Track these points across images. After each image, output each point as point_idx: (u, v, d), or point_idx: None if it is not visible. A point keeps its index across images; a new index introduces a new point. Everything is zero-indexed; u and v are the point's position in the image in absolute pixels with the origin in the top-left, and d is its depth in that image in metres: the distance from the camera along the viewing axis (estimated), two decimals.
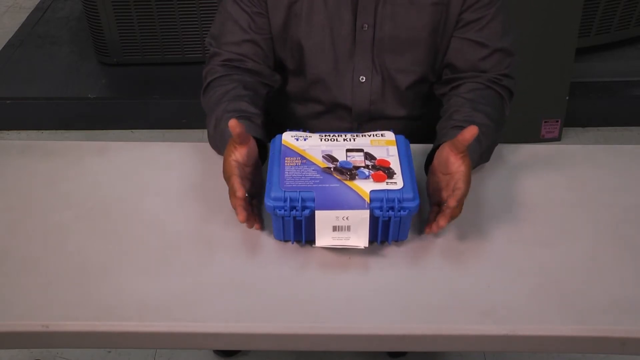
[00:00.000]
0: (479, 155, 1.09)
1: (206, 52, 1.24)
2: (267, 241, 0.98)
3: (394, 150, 1.00)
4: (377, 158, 0.98)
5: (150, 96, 2.65)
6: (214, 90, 1.16)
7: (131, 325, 0.86)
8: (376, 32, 1.18)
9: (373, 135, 1.03)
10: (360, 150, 0.99)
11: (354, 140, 1.02)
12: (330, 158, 0.98)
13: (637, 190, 1.10)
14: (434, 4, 1.16)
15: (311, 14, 1.17)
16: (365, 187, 0.93)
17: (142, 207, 1.05)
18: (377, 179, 0.94)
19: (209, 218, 1.03)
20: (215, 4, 2.61)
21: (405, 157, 0.99)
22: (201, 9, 2.63)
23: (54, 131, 2.63)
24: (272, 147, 1.02)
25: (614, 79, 2.67)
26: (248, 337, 0.87)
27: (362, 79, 1.22)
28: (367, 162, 0.97)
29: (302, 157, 0.98)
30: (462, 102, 1.15)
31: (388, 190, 0.92)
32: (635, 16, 2.68)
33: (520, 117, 2.34)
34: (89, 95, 2.63)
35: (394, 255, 0.96)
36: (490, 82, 1.19)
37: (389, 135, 1.03)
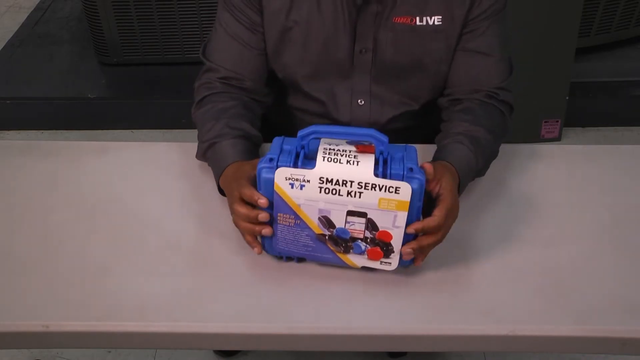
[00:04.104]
0: (476, 172, 1.08)
1: (201, 63, 1.20)
2: None
3: (402, 218, 0.85)
4: (379, 229, 0.87)
5: (150, 96, 2.65)
6: (212, 105, 1.13)
7: (131, 325, 0.86)
8: (376, 57, 1.16)
9: (385, 190, 0.84)
10: (363, 215, 0.86)
11: (360, 195, 0.84)
12: (327, 222, 0.87)
13: (637, 190, 1.10)
14: (435, 31, 1.14)
15: (307, 40, 1.15)
16: (357, 262, 0.91)
17: (142, 207, 1.05)
18: (372, 256, 0.89)
19: (208, 218, 1.03)
20: (216, 4, 2.61)
21: (413, 216, 0.87)
22: (201, 9, 2.63)
23: (54, 131, 2.63)
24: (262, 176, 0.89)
25: (614, 79, 2.67)
26: (248, 337, 0.87)
27: (361, 102, 1.21)
28: (367, 234, 0.87)
29: (297, 217, 0.88)
30: (461, 118, 1.14)
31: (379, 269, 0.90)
32: (635, 16, 2.68)
33: (520, 117, 2.32)
34: (89, 95, 2.63)
35: None
36: (488, 98, 1.17)
37: (404, 193, 0.84)
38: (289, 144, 0.90)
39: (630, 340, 0.86)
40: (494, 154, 1.13)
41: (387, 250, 0.89)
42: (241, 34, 1.16)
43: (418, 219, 0.89)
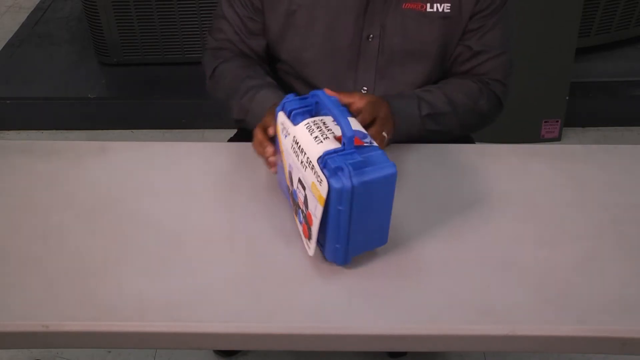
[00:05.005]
0: (420, 117, 1.13)
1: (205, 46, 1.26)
2: (267, 241, 0.98)
3: (319, 211, 0.85)
4: (309, 210, 0.88)
5: (150, 96, 2.65)
6: (229, 65, 1.19)
7: (131, 325, 0.86)
8: (383, 43, 1.17)
9: (316, 177, 0.84)
10: (304, 188, 0.88)
11: (306, 170, 0.86)
12: (290, 178, 0.93)
13: (637, 190, 1.10)
14: (444, 17, 1.15)
15: (311, 24, 1.15)
16: (299, 228, 0.94)
17: (142, 207, 1.05)
18: (304, 232, 0.92)
19: (209, 218, 1.03)
20: (216, 4, 2.61)
21: (334, 218, 0.86)
22: (201, 9, 2.63)
23: (54, 131, 2.63)
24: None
25: (614, 79, 2.67)
26: (248, 337, 0.87)
27: (364, 89, 1.21)
28: (303, 208, 0.89)
29: (280, 157, 0.97)
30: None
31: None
32: (635, 16, 2.67)
33: (520, 117, 2.33)
34: (89, 95, 2.63)
35: (393, 255, 0.96)
36: (475, 78, 1.19)
37: (323, 188, 0.83)
38: (317, 98, 0.92)
39: (630, 340, 0.86)
40: (450, 116, 1.17)
41: (310, 232, 0.88)
42: (235, 20, 1.21)
43: (339, 228, 0.86)
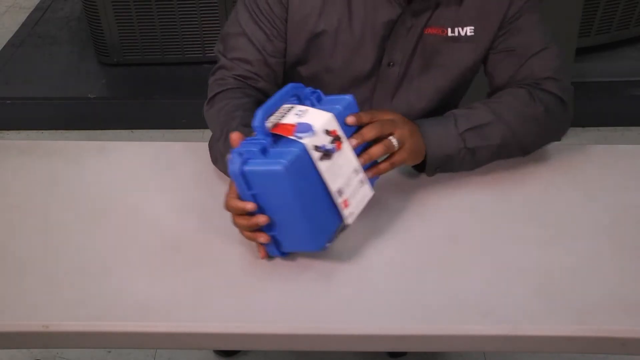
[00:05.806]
0: (458, 134, 1.04)
1: (214, 58, 1.18)
2: None
3: None
4: None
5: (150, 96, 2.65)
6: (226, 102, 1.11)
7: (131, 325, 0.86)
8: (403, 70, 1.14)
9: None
10: None
11: None
12: None
13: (637, 190, 1.10)
14: (466, 41, 1.12)
15: (334, 49, 1.13)
16: None
17: (142, 207, 1.05)
18: None
19: (208, 218, 1.02)
20: (216, 4, 2.61)
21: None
22: (201, 9, 2.63)
23: (54, 131, 2.63)
24: None
25: (614, 79, 2.67)
26: (248, 337, 0.87)
27: None
28: None
29: None
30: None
31: None
32: (635, 16, 2.68)
33: None
34: (89, 95, 2.63)
35: (394, 255, 0.96)
36: (525, 84, 1.13)
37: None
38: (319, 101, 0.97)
39: (630, 340, 0.86)
40: (495, 127, 1.06)
41: None
42: (260, 37, 1.13)
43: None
